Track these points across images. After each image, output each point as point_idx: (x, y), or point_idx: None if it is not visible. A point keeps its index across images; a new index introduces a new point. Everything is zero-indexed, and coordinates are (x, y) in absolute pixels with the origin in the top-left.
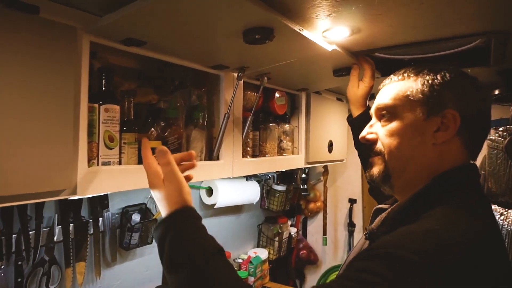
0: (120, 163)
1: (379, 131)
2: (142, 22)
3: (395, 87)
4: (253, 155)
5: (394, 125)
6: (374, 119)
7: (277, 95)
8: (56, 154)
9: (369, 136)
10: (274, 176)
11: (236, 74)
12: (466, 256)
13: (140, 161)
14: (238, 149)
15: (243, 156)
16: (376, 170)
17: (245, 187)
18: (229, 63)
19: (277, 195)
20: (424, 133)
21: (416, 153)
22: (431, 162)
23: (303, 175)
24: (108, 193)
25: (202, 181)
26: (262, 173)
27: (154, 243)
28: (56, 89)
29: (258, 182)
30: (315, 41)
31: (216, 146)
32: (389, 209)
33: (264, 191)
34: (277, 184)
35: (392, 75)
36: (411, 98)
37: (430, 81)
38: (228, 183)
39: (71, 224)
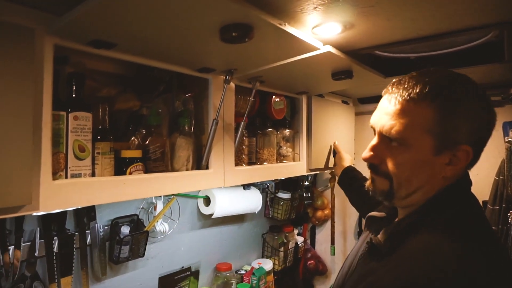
0: (93, 174)
1: (385, 157)
2: (103, 21)
3: (406, 112)
4: (249, 163)
5: (403, 157)
6: (376, 139)
7: (275, 99)
8: (12, 167)
9: (375, 161)
10: (272, 184)
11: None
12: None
13: (116, 173)
14: (230, 157)
15: (237, 164)
16: (379, 189)
17: (245, 196)
18: (214, 66)
19: (282, 203)
20: (434, 166)
21: (424, 184)
22: (437, 189)
23: (306, 183)
24: (95, 204)
25: (200, 190)
26: (259, 182)
27: (147, 256)
28: (12, 97)
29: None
30: (303, 39)
31: (205, 154)
32: (395, 223)
33: (268, 199)
34: (276, 192)
35: (402, 87)
36: (426, 130)
37: (448, 110)
38: (226, 192)
39: (55, 238)
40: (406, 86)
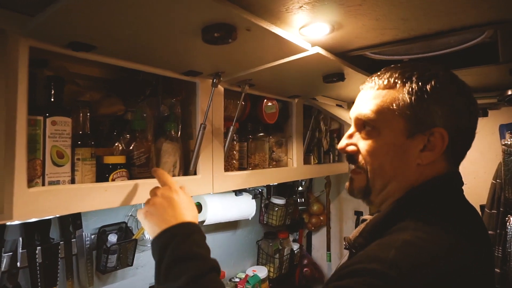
0: (73, 181)
1: (360, 144)
2: (78, 21)
3: (379, 96)
4: (240, 168)
5: (376, 141)
6: (353, 128)
7: (266, 103)
8: None
9: (349, 148)
10: (264, 190)
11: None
12: (441, 271)
13: (97, 179)
14: (219, 162)
15: (227, 170)
16: (357, 186)
17: (238, 202)
18: (201, 69)
19: (276, 209)
20: (408, 152)
21: (398, 173)
22: (413, 180)
23: (300, 188)
24: (81, 212)
25: (191, 197)
26: (251, 188)
27: (136, 265)
28: None
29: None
30: (290, 40)
31: (192, 160)
32: (367, 221)
33: (262, 205)
34: (269, 198)
35: (375, 77)
36: (397, 112)
37: (419, 93)
38: (218, 198)
39: (38, 248)
40: (379, 75)
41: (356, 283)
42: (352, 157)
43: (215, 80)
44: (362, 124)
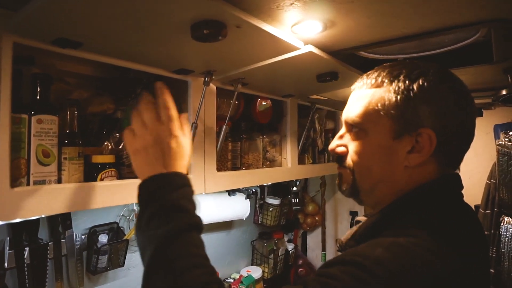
0: (59, 181)
1: (349, 145)
2: (62, 17)
3: (366, 96)
4: (234, 168)
5: (363, 143)
6: (344, 129)
7: (260, 102)
8: None
9: (339, 150)
10: (258, 190)
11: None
12: (437, 272)
13: (85, 179)
14: (211, 162)
15: (220, 170)
16: (345, 184)
17: (232, 202)
18: (192, 67)
19: (271, 209)
20: (395, 153)
21: (385, 176)
22: (402, 183)
23: (295, 188)
24: (71, 212)
25: None
26: (245, 188)
27: (127, 266)
28: None
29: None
30: (282, 38)
31: None
32: (360, 223)
33: (257, 205)
34: (262, 198)
35: (365, 76)
36: (382, 113)
37: (405, 92)
38: (212, 198)
39: (26, 248)
40: (369, 74)
41: (341, 271)
42: (341, 158)
43: (207, 78)
44: (351, 126)
